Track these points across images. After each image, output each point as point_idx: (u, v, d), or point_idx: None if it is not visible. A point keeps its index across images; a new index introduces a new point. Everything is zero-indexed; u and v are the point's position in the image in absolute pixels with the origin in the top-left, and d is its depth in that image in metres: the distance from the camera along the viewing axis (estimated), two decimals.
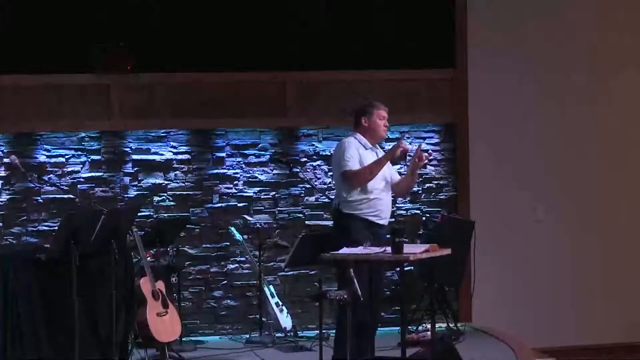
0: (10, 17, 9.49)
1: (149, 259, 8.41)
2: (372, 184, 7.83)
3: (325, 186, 9.81)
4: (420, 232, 9.91)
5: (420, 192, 10.15)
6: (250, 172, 9.93)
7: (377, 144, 8.13)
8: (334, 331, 7.91)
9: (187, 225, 9.50)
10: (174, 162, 9.82)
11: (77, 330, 7.21)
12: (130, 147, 9.76)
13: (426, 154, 7.91)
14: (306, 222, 9.96)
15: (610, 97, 10.49)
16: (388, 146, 8.75)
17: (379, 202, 7.85)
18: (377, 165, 7.83)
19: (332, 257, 7.44)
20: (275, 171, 9.96)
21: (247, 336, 9.42)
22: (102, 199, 9.49)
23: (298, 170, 9.76)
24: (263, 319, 9.36)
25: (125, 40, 9.57)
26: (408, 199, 10.05)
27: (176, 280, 9.14)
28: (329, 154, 9.60)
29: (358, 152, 7.86)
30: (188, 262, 9.72)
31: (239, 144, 9.92)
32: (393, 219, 8.95)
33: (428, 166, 10.15)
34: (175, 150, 9.83)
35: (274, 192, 9.96)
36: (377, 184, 7.85)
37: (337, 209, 7.91)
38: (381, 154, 8.02)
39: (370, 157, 7.90)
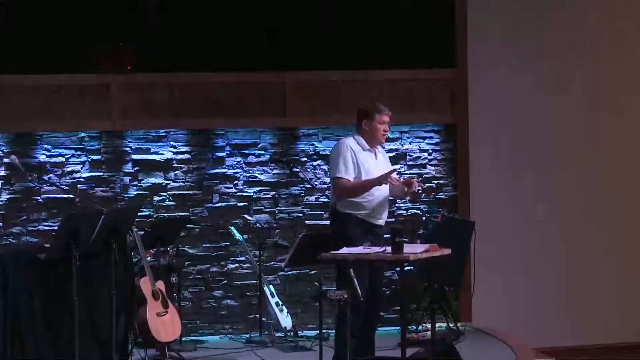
0: (10, 17, 9.49)
1: (149, 259, 8.42)
2: None
3: (325, 186, 9.80)
4: (420, 232, 9.91)
5: (420, 191, 10.13)
6: (250, 172, 9.92)
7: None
8: (334, 331, 7.91)
9: (187, 225, 9.50)
10: (174, 162, 9.82)
11: (77, 330, 7.21)
12: (130, 147, 9.76)
13: (418, 183, 7.88)
14: (306, 222, 9.96)
15: (612, 100, 10.48)
16: (388, 146, 8.75)
17: (375, 202, 7.83)
18: (364, 187, 7.78)
19: (332, 257, 7.44)
20: (275, 171, 9.96)
21: (247, 336, 9.43)
22: (102, 199, 9.50)
23: (298, 170, 9.76)
24: (263, 319, 9.36)
25: (125, 40, 9.57)
26: (408, 198, 10.03)
27: (176, 280, 9.13)
28: (329, 153, 9.59)
29: (353, 154, 7.82)
30: (188, 262, 9.72)
31: (239, 144, 9.92)
32: (393, 219, 8.94)
33: (428, 166, 10.17)
34: (175, 150, 9.82)
35: (274, 192, 9.95)
36: None
37: (334, 207, 7.91)
38: (380, 155, 8.01)
39: (367, 159, 7.87)
